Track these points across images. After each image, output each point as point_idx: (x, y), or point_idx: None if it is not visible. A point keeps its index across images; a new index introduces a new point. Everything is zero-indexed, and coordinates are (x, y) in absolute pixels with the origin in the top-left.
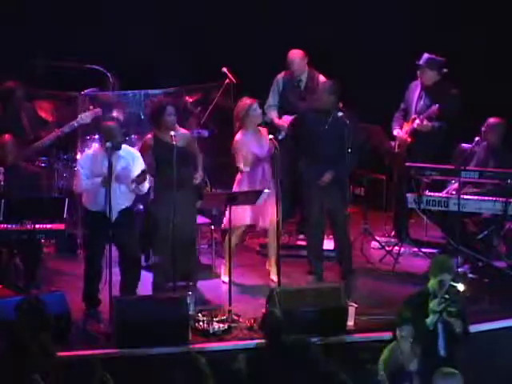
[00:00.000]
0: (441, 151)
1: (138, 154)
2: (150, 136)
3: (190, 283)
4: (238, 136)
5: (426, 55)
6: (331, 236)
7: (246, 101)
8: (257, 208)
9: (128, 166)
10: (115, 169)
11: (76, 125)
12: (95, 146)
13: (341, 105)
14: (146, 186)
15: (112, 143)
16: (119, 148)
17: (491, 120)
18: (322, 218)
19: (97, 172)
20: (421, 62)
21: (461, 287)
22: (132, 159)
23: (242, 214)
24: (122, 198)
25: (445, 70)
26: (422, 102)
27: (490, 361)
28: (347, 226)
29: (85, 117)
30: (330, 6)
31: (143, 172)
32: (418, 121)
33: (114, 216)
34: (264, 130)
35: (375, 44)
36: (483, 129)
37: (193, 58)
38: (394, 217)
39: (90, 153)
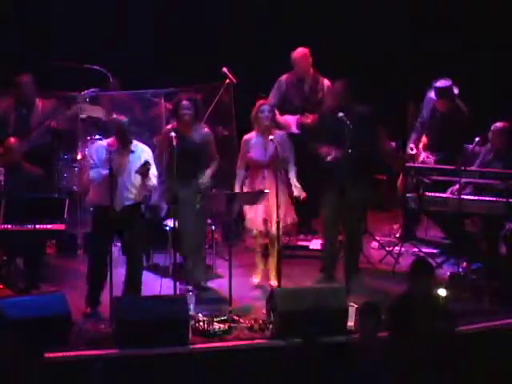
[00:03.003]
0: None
1: (148, 150)
2: (170, 127)
3: (202, 284)
4: (246, 136)
5: (439, 84)
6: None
7: (259, 101)
8: (267, 213)
9: (138, 161)
10: (127, 163)
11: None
12: (107, 139)
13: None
14: (153, 180)
15: (127, 138)
16: (130, 143)
17: (497, 124)
18: (336, 217)
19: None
20: (432, 95)
21: (442, 292)
22: (142, 154)
23: (254, 219)
24: (129, 193)
25: (456, 92)
26: (434, 124)
27: (489, 361)
28: (359, 226)
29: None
30: (331, 5)
31: (146, 163)
32: (424, 156)
33: (120, 207)
34: (276, 134)
35: (377, 44)
36: (490, 133)
37: (193, 58)
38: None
39: (102, 145)
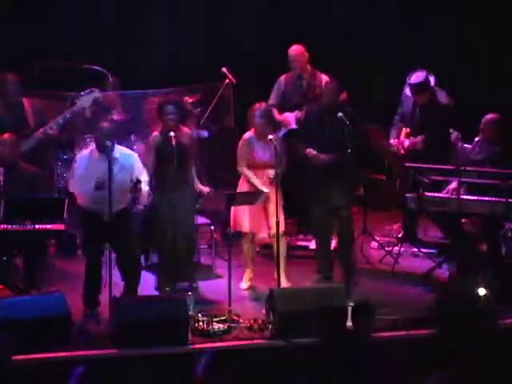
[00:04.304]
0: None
1: (135, 155)
2: (155, 133)
3: (194, 284)
4: (246, 135)
5: (412, 80)
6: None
7: (255, 105)
8: (257, 217)
9: (123, 169)
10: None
11: (76, 109)
12: (92, 146)
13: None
14: (144, 189)
15: (104, 145)
16: (110, 150)
17: (488, 116)
18: (328, 216)
19: (90, 174)
20: (409, 89)
21: (482, 291)
22: (127, 161)
23: (241, 220)
24: (116, 200)
25: (432, 82)
26: (416, 118)
27: (489, 361)
28: (351, 224)
29: (84, 101)
30: (329, 5)
31: (137, 183)
32: (407, 142)
33: (107, 217)
34: (273, 138)
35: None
36: (481, 124)
37: (192, 58)
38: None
39: (86, 153)
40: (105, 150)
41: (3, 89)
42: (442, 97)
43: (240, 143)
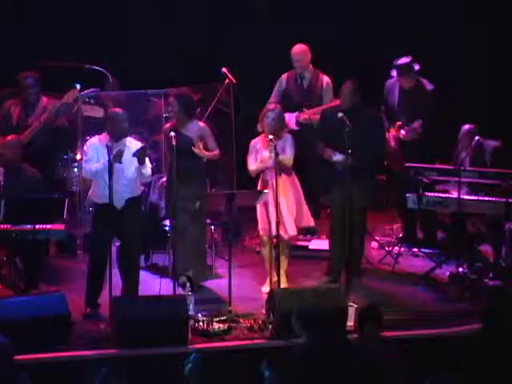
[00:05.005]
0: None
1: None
2: (169, 125)
3: (195, 283)
4: (255, 139)
5: (399, 61)
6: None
7: (271, 105)
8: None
9: (133, 158)
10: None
11: (59, 104)
12: (99, 136)
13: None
14: (148, 169)
15: (114, 137)
16: (125, 136)
17: (465, 126)
18: (345, 218)
19: (100, 159)
20: (396, 70)
21: None
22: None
23: (259, 222)
24: (127, 188)
25: (417, 68)
26: (403, 108)
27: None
28: (364, 227)
29: (67, 97)
30: (329, 5)
31: (143, 147)
32: (403, 132)
33: (120, 204)
34: (272, 138)
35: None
36: (459, 136)
37: (193, 58)
38: (401, 218)
39: (95, 140)
40: (119, 137)
41: (20, 84)
42: (426, 83)
43: (250, 147)
